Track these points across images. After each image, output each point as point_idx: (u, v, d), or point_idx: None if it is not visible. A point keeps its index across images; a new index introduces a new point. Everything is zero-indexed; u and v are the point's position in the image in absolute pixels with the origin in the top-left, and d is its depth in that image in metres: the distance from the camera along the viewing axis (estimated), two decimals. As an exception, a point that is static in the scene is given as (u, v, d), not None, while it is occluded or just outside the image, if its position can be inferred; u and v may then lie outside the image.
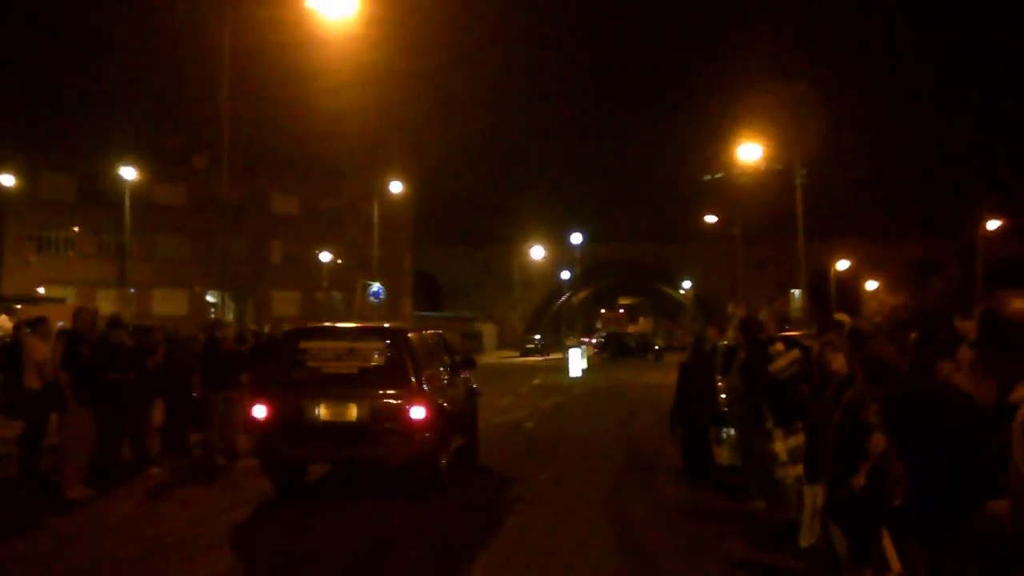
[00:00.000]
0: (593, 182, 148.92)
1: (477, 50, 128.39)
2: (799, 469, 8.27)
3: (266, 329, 17.68)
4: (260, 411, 11.10)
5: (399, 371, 11.16)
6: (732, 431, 12.22)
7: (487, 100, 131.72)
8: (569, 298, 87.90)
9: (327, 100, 68.51)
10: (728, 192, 54.02)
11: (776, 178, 39.13)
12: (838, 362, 7.05)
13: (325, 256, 62.57)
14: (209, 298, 61.38)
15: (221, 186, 24.64)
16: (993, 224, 54.02)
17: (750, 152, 37.55)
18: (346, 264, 64.45)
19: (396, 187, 57.35)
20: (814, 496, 7.31)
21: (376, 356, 11.35)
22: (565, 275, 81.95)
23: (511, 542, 9.07)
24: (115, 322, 12.88)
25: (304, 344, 11.69)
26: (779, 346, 9.37)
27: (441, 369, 12.70)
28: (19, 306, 26.43)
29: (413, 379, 11.08)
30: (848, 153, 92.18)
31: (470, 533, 9.33)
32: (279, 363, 11.93)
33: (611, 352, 66.03)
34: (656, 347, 63.80)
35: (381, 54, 48.02)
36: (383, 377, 11.19)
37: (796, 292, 49.56)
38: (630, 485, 12.35)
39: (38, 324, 11.39)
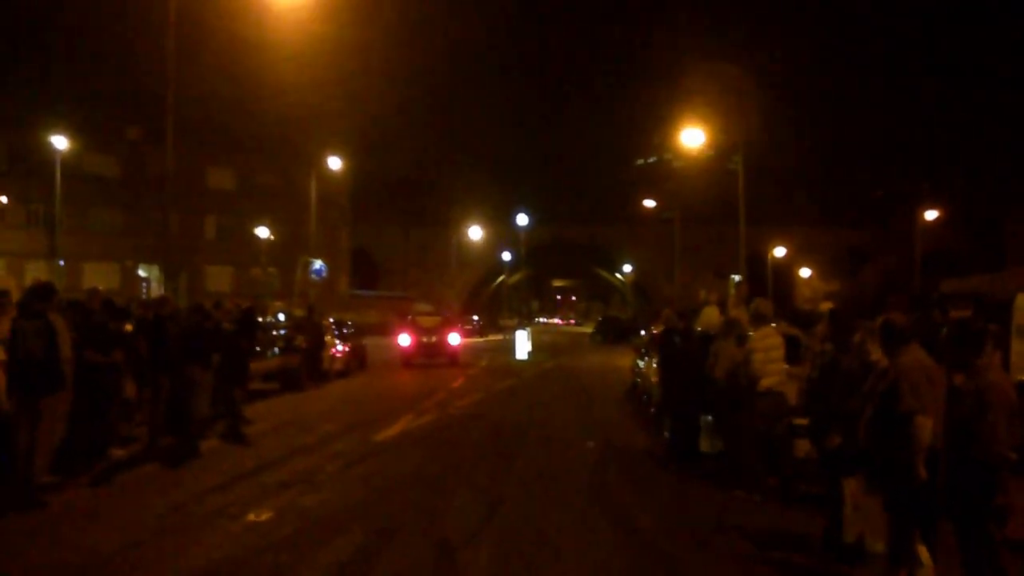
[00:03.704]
0: (532, 165, 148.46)
1: (420, 27, 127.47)
2: None
3: (239, 305, 17.24)
4: (406, 340, 32.63)
5: (449, 326, 34.56)
6: (710, 418, 12.23)
7: (429, 79, 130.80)
8: (505, 279, 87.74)
9: (266, 72, 67.45)
10: (666, 177, 54.33)
11: (713, 163, 39.31)
12: (876, 353, 6.95)
13: (262, 232, 61.56)
14: (141, 272, 60.18)
15: (162, 159, 23.87)
16: (931, 214, 54.93)
17: (690, 137, 37.64)
18: (281, 240, 63.56)
19: (334, 163, 56.40)
20: (852, 490, 7.21)
21: (440, 319, 36.18)
22: (506, 256, 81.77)
23: (510, 534, 8.80)
24: (108, 303, 12.38)
25: (418, 317, 36.50)
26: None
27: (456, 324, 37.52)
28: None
29: (455, 327, 35.01)
30: (784, 141, 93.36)
31: (467, 523, 9.08)
32: (407, 323, 34.63)
33: (603, 335, 64.79)
34: (643, 332, 62.57)
35: (323, 27, 47.26)
36: (444, 327, 33.77)
37: (735, 277, 50.02)
38: (612, 472, 12.15)
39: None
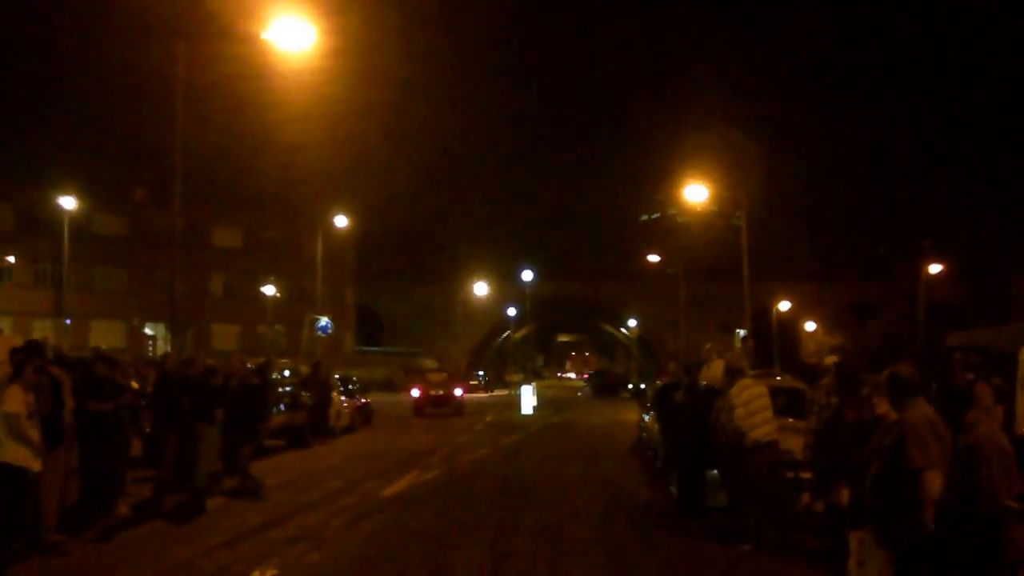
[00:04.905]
0: (537, 221, 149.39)
1: (425, 86, 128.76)
2: None
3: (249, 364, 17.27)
4: (417, 392, 38.76)
5: (453, 381, 41.04)
6: (715, 472, 12.18)
7: (434, 137, 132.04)
8: (510, 335, 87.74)
9: (272, 132, 68.21)
10: (671, 232, 54.61)
11: (717, 219, 39.55)
12: (883, 407, 6.98)
13: (268, 289, 61.80)
14: (147, 330, 60.37)
15: (168, 219, 24.10)
16: (935, 268, 54.95)
17: (694, 193, 37.90)
18: (287, 298, 63.80)
19: (340, 221, 56.85)
20: (859, 542, 7.18)
21: (447, 376, 42.62)
22: (511, 312, 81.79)
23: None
24: (100, 355, 12.42)
25: (427, 374, 44.86)
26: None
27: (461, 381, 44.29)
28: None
29: (459, 383, 41.24)
30: (788, 196, 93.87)
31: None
32: (420, 379, 42.30)
33: (594, 388, 68.31)
34: (630, 385, 63.28)
35: (329, 87, 47.81)
36: (449, 382, 40.13)
37: (740, 332, 50.05)
38: (618, 527, 12.09)
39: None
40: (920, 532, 5.93)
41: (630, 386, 62.31)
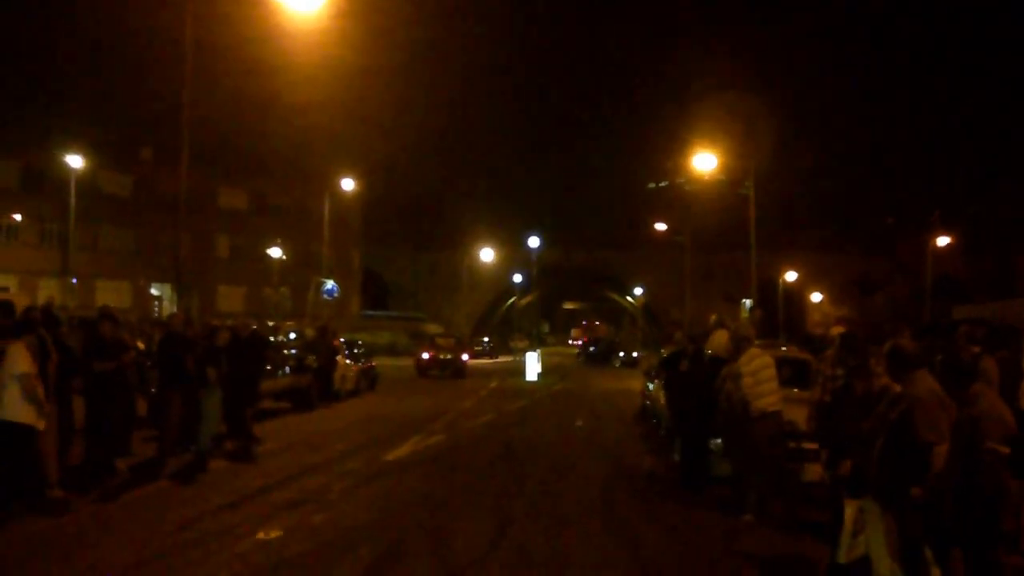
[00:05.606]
0: (544, 187, 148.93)
1: (434, 52, 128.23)
2: None
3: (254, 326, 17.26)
4: (425, 355, 41.49)
5: (460, 346, 44.42)
6: (719, 441, 12.15)
7: (442, 102, 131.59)
8: (515, 302, 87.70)
9: (280, 94, 67.88)
10: (678, 201, 54.40)
11: (725, 189, 39.38)
12: (886, 378, 6.94)
13: (275, 252, 61.78)
14: (153, 291, 60.45)
15: (174, 179, 24.03)
16: (942, 241, 54.72)
17: (703, 162, 37.73)
18: (293, 261, 63.82)
19: (347, 185, 56.73)
20: (854, 511, 7.16)
21: (454, 341, 45.55)
22: (517, 278, 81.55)
23: (518, 555, 8.80)
24: (106, 313, 12.41)
25: (437, 339, 46.23)
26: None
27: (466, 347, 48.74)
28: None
29: (464, 348, 45.80)
30: (796, 167, 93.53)
31: (475, 544, 9.09)
32: (430, 344, 44.52)
33: (586, 357, 69.38)
34: (621, 354, 63.24)
35: (337, 50, 47.55)
36: (456, 347, 43.29)
37: (747, 302, 49.94)
38: (621, 495, 12.10)
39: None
40: (924, 501, 5.96)
41: (621, 355, 62.59)
